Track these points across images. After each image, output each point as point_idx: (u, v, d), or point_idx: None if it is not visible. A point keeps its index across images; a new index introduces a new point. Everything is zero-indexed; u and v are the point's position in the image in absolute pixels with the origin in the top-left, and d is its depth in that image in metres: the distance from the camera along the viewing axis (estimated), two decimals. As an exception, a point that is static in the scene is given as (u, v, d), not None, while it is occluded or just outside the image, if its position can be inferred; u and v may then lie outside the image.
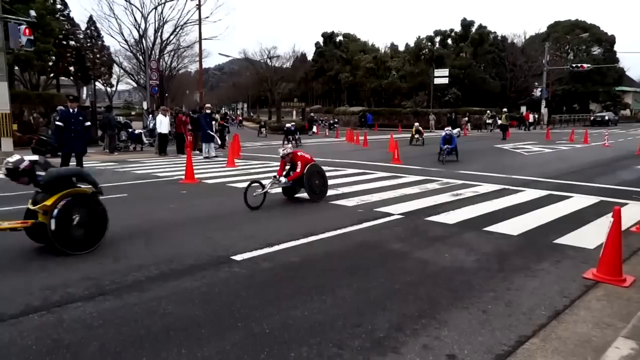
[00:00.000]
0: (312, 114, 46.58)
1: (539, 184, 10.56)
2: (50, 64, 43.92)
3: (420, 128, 24.46)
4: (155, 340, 3.30)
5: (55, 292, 4.17)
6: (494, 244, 5.74)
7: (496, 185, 10.32)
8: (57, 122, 10.62)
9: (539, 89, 44.22)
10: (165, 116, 18.80)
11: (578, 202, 8.42)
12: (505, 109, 33.83)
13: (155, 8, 31.12)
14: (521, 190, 9.61)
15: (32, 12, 16.82)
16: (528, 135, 33.19)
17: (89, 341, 3.29)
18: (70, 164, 11.04)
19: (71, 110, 10.53)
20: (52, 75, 50.50)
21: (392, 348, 3.21)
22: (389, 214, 7.41)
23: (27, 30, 15.60)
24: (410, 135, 24.43)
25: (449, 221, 6.93)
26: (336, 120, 48.51)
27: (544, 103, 44.93)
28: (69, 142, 10.50)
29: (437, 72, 49.98)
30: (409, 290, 4.25)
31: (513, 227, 6.54)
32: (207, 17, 42.83)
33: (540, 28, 78.12)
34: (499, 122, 31.99)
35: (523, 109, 47.94)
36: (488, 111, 42.37)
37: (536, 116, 44.40)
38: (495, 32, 61.93)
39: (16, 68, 33.64)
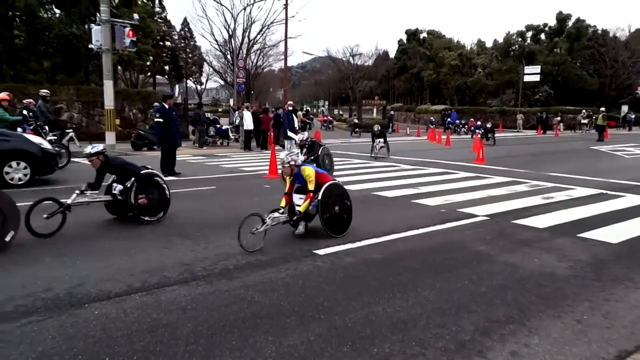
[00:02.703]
0: (392, 112, 46.08)
1: (643, 189, 9.72)
2: (148, 63, 47.10)
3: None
4: (243, 326, 3.46)
5: (154, 275, 4.49)
6: (590, 252, 5.38)
7: (592, 189, 9.64)
8: (157, 119, 11.24)
9: (644, 87, 40.47)
10: (250, 112, 19.52)
11: (689, 210, 7.65)
12: (603, 109, 31.40)
13: (244, 9, 32.31)
14: (621, 196, 8.90)
15: (136, 16, 18.14)
16: (628, 137, 30.61)
17: (183, 322, 3.52)
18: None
19: (167, 106, 11.21)
20: (149, 74, 54.21)
21: (478, 352, 3.12)
22: (473, 215, 7.19)
23: (130, 33, 16.85)
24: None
25: (538, 225, 6.59)
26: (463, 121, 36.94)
27: (649, 102, 41.11)
28: (172, 137, 11.18)
29: (528, 69, 47.42)
30: (496, 294, 4.11)
31: (612, 234, 6.09)
32: (293, 17, 43.79)
33: (648, 20, 71.47)
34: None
35: (624, 108, 44.20)
36: (584, 110, 39.53)
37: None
38: (594, 26, 57.58)
39: (119, 67, 36.43)
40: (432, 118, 41.57)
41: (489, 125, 25.52)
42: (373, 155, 16.30)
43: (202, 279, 4.40)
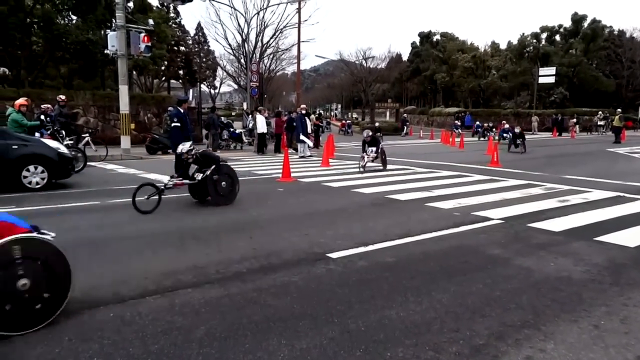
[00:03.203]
0: (405, 115, 45.86)
1: (661, 192, 9.55)
2: (163, 68, 47.59)
3: None
4: (256, 330, 3.47)
5: (168, 278, 4.52)
6: (607, 255, 5.30)
7: (609, 192, 9.50)
8: (175, 124, 11.18)
9: (662, 88, 39.86)
10: (263, 116, 19.63)
11: None
12: (619, 110, 30.97)
13: (258, 13, 32.55)
14: (639, 199, 8.76)
15: (150, 21, 18.41)
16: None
17: (197, 325, 3.53)
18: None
19: (182, 111, 11.28)
20: (163, 78, 54.81)
21: (493, 357, 3.09)
22: (488, 218, 7.12)
23: (145, 38, 17.07)
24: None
25: (554, 228, 6.51)
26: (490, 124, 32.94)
27: (667, 103, 40.47)
28: (187, 142, 11.23)
29: (542, 71, 46.96)
30: (510, 298, 4.06)
31: (630, 237, 5.99)
32: (306, 20, 43.91)
33: (666, 20, 70.36)
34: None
35: (642, 109, 43.58)
36: (600, 112, 39.01)
37: None
38: (610, 27, 56.97)
39: (134, 72, 36.88)
40: (457, 122, 37.74)
41: (517, 130, 20.86)
42: (361, 168, 12.65)
43: (216, 282, 4.42)
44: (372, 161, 13.28)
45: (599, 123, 37.36)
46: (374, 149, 13.32)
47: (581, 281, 4.50)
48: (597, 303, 3.98)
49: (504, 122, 29.46)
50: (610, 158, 17.64)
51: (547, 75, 46.33)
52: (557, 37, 59.13)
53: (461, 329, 3.48)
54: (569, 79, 53.24)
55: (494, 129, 30.64)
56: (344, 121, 45.00)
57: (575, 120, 37.00)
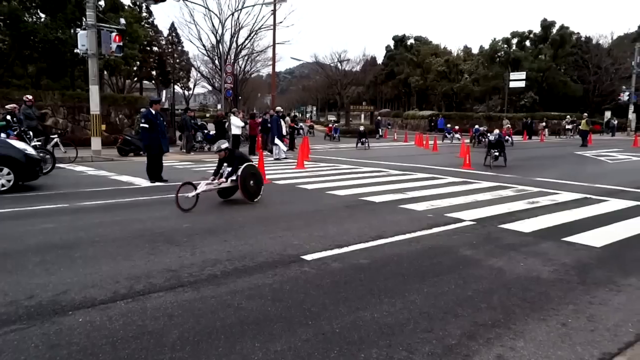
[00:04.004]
0: (379, 118, 46.16)
1: (626, 194, 9.87)
2: (135, 68, 46.85)
3: None
4: (230, 333, 3.44)
5: (139, 281, 4.45)
6: (574, 255, 5.45)
7: (576, 193, 9.77)
8: (142, 125, 11.06)
9: (627, 93, 41.21)
10: (237, 118, 19.50)
11: (670, 214, 7.78)
12: (586, 114, 31.89)
13: (232, 14, 32.32)
14: (605, 200, 9.03)
15: (122, 20, 18.04)
16: (611, 142, 31.12)
17: (170, 329, 3.48)
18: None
19: (153, 112, 11.12)
20: (136, 79, 53.94)
21: (465, 356, 3.14)
22: (460, 220, 7.24)
23: (117, 37, 16.75)
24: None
25: (524, 229, 6.66)
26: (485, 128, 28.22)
27: (632, 108, 41.83)
28: (158, 143, 11.06)
29: (513, 75, 47.96)
30: (482, 298, 4.14)
31: (595, 238, 6.17)
32: (281, 22, 43.83)
33: (630, 28, 72.99)
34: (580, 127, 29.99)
35: (607, 114, 44.96)
36: (568, 116, 40.09)
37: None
38: (578, 33, 58.52)
39: (105, 72, 36.16)
40: (456, 128, 32.90)
41: (492, 138, 16.33)
42: (183, 204, 7.63)
43: (189, 285, 4.37)
44: (215, 186, 8.45)
45: (567, 127, 38.36)
46: (229, 170, 8.51)
47: (550, 281, 4.61)
48: (565, 302, 4.08)
49: (507, 125, 23.66)
50: (577, 161, 18.14)
51: (517, 79, 47.34)
52: (527, 43, 60.45)
53: (434, 329, 3.52)
54: (538, 83, 54.50)
55: (488, 133, 25.80)
56: (330, 125, 39.22)
57: (544, 124, 37.89)
